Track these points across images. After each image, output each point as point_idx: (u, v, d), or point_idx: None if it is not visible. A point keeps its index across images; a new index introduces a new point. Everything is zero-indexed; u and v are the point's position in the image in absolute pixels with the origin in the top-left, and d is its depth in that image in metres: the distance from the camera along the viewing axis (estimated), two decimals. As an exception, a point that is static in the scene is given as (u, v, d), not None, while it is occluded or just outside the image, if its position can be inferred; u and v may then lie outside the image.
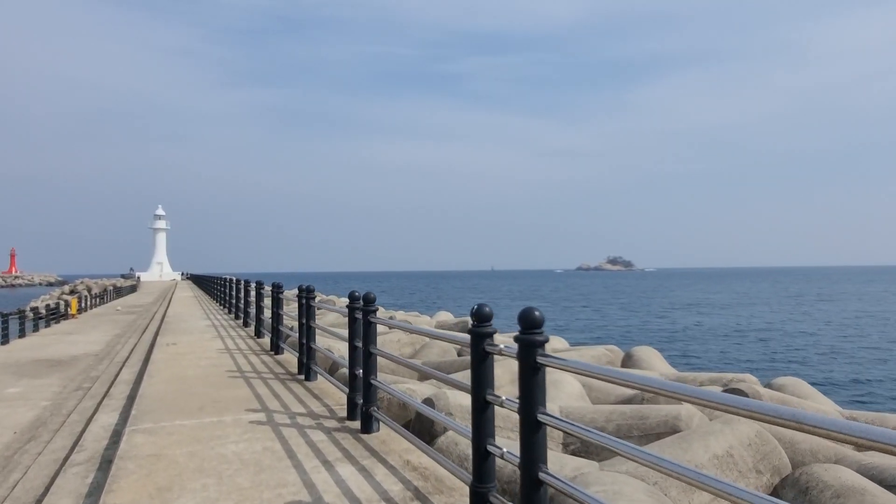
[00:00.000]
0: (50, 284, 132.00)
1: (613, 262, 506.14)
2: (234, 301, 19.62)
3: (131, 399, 7.73)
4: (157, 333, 15.78)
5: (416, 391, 6.94)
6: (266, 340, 12.40)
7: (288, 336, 10.58)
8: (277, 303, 10.41)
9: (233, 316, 19.16)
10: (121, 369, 11.30)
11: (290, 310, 12.51)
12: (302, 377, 8.01)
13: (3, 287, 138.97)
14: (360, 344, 5.50)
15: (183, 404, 6.54)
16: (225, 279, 23.83)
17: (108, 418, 7.09)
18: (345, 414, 5.83)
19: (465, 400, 6.04)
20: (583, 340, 30.80)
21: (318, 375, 7.71)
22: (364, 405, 5.23)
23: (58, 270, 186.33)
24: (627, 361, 11.73)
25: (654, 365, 11.21)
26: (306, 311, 7.77)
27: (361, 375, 5.35)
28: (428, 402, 6.25)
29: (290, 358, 9.86)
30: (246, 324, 15.67)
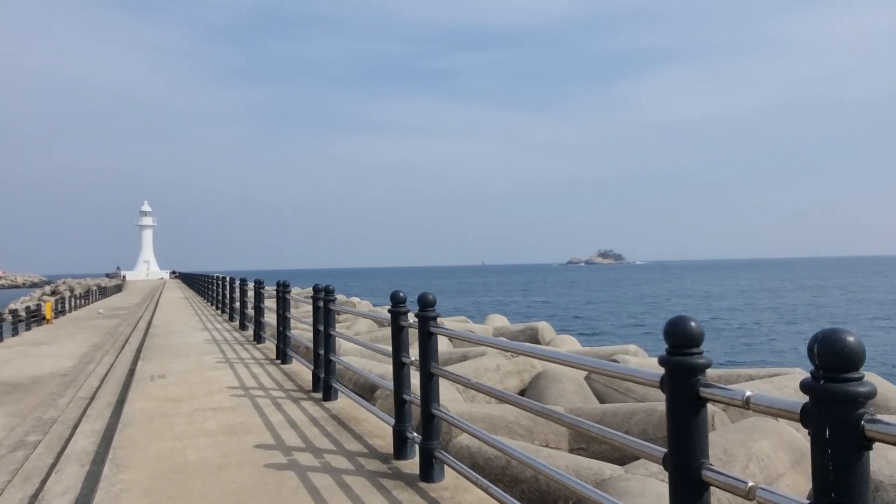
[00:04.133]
0: (34, 285, 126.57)
1: (604, 255, 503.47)
2: (236, 305, 15.77)
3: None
4: (138, 351, 11.89)
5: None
6: (296, 368, 8.59)
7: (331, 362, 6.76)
8: (324, 319, 6.59)
9: (236, 324, 15.31)
10: (82, 416, 7.49)
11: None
12: (412, 470, 4.18)
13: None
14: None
15: None
16: (223, 279, 19.89)
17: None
18: None
19: None
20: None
21: (444, 465, 3.95)
22: None
23: (43, 270, 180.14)
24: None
25: None
26: (409, 347, 3.94)
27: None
28: None
29: (353, 409, 6.06)
30: (258, 338, 11.81)
